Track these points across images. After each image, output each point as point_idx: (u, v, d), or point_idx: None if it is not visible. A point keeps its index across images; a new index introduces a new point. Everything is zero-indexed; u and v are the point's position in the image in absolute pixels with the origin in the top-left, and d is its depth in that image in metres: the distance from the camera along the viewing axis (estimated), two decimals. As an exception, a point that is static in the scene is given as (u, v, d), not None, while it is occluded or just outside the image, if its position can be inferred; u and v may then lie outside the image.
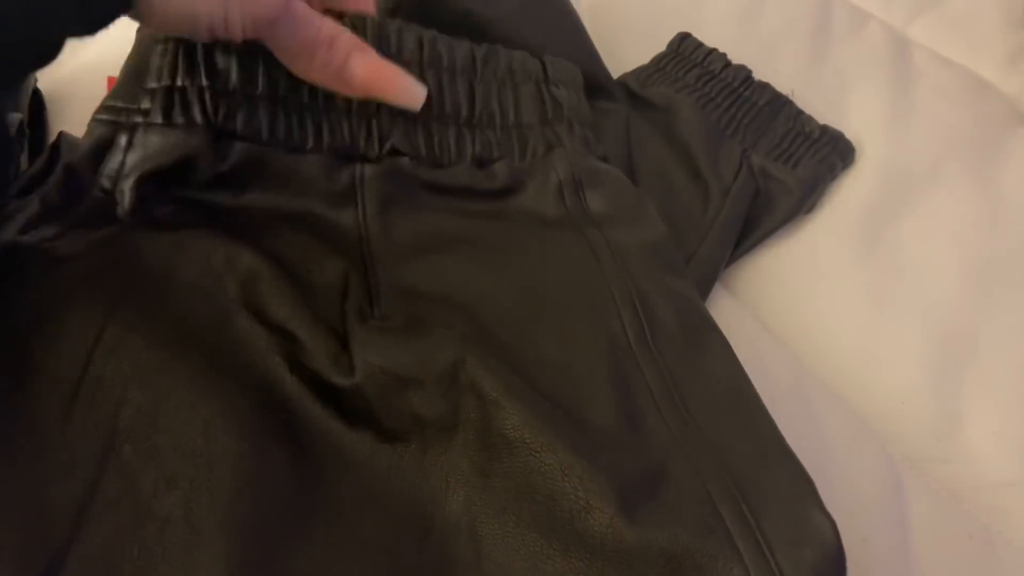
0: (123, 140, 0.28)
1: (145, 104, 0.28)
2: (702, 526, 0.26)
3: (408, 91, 0.31)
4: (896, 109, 0.51)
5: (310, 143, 0.31)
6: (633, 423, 0.28)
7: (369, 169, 0.32)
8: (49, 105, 0.41)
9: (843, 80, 0.52)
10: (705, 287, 0.42)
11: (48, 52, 0.23)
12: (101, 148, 0.28)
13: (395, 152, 0.32)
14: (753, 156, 0.46)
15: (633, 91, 0.47)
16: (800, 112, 0.49)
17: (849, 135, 0.48)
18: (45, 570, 0.22)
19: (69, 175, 0.27)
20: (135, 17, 0.25)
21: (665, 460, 0.28)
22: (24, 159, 0.35)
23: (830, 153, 0.47)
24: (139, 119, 0.28)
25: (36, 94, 0.39)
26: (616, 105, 0.44)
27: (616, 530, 0.25)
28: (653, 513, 0.26)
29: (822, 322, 0.42)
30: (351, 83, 0.30)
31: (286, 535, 0.24)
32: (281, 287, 0.28)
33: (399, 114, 0.33)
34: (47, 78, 0.40)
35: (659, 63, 0.49)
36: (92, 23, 0.24)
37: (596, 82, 0.45)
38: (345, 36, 0.30)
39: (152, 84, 0.28)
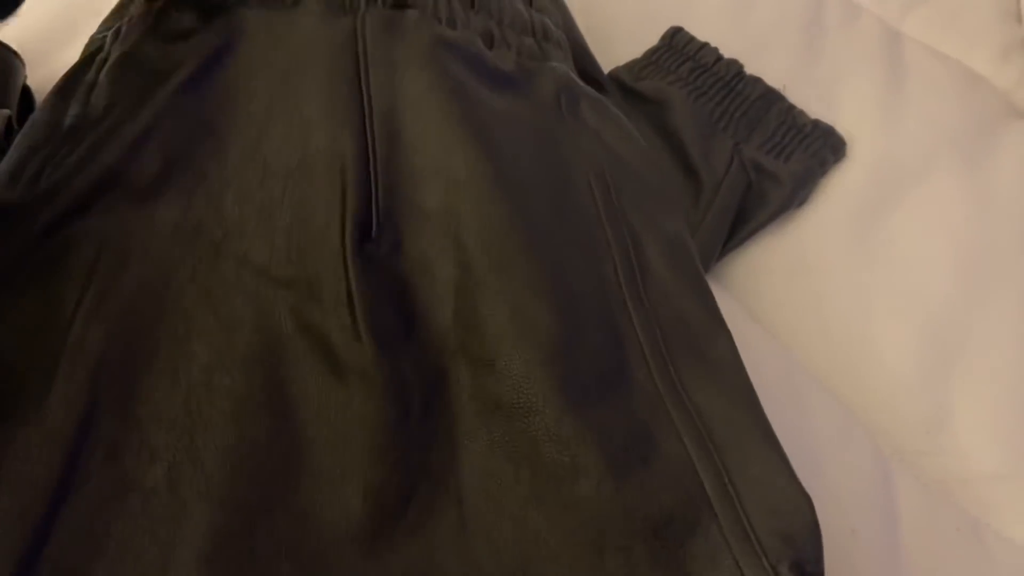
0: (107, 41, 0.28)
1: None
2: (684, 493, 0.26)
3: None
4: (888, 103, 0.51)
5: None
6: (622, 376, 0.28)
7: (372, 17, 0.31)
8: (38, 102, 0.41)
9: (835, 74, 0.52)
10: (696, 281, 0.42)
11: None
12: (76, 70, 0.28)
13: (400, 5, 0.32)
14: (745, 149, 0.46)
15: (625, 84, 0.47)
16: (792, 106, 0.49)
17: (841, 129, 0.48)
18: (30, 544, 0.22)
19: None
20: None
21: (650, 421, 0.28)
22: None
23: (821, 147, 0.47)
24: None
25: (25, 91, 0.39)
26: (608, 97, 0.44)
27: (602, 496, 0.25)
28: (638, 479, 0.26)
29: (812, 315, 0.43)
30: None
31: (268, 502, 0.24)
32: (268, 229, 0.27)
33: None
34: (36, 75, 0.40)
35: (651, 56, 0.49)
36: None
37: (586, 76, 0.45)
38: None
39: None
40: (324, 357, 0.27)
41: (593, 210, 0.32)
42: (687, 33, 0.50)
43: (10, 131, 0.35)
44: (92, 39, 0.32)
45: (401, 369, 0.27)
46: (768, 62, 0.50)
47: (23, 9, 0.45)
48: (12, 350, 0.24)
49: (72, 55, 0.42)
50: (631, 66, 0.49)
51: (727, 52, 0.49)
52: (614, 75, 0.48)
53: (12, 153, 0.27)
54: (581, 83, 0.37)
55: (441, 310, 0.28)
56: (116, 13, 0.33)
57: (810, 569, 0.26)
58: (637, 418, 0.28)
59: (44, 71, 0.41)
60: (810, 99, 0.49)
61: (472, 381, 0.27)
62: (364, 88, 0.30)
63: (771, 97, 0.49)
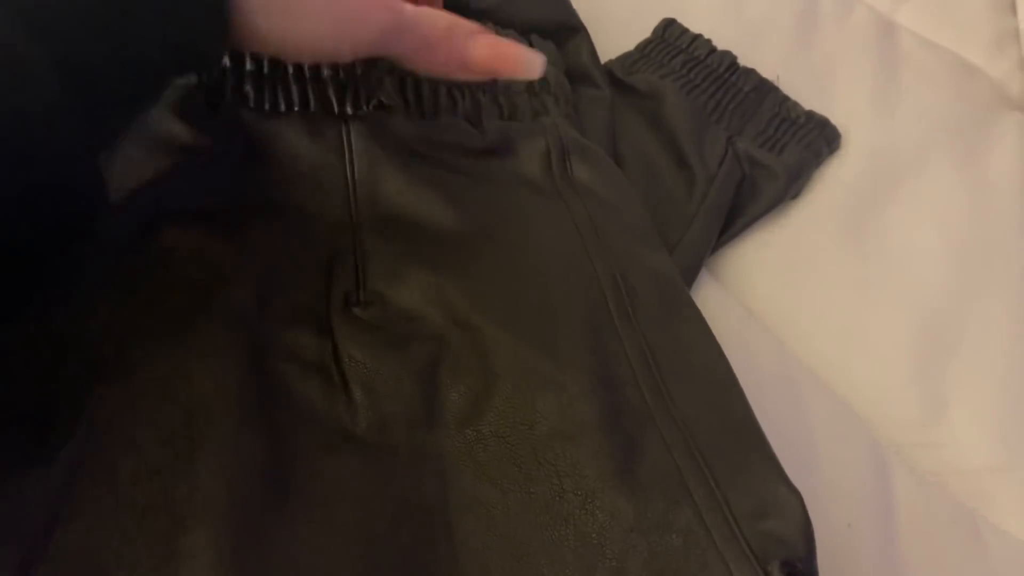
0: None
1: None
2: (671, 502, 0.26)
3: (528, 63, 0.30)
4: (882, 94, 0.51)
5: (296, 107, 0.31)
6: (610, 391, 0.29)
7: (356, 125, 0.32)
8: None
9: (829, 65, 0.52)
10: (690, 274, 0.42)
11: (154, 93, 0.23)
12: None
13: (382, 106, 0.33)
14: (738, 142, 0.46)
15: (618, 77, 0.47)
16: (786, 98, 0.48)
17: (835, 120, 0.48)
18: (22, 563, 0.22)
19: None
20: (233, 43, 0.24)
21: (639, 433, 0.28)
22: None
23: (816, 139, 0.47)
24: None
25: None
26: (601, 91, 0.44)
27: (589, 508, 0.26)
28: (625, 490, 0.26)
29: (807, 308, 0.42)
30: (473, 68, 0.29)
31: (265, 520, 0.24)
32: (255, 274, 0.28)
33: (388, 71, 0.33)
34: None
35: (644, 49, 0.49)
36: (194, 62, 0.23)
37: (581, 69, 0.44)
38: (460, 24, 0.29)
39: None
40: (312, 378, 0.27)
41: (580, 246, 0.33)
42: (680, 25, 0.49)
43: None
44: None
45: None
46: (762, 54, 0.50)
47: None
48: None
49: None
50: (623, 59, 0.49)
51: (721, 44, 0.49)
52: (606, 68, 0.48)
53: None
54: (572, 134, 0.37)
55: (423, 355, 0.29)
56: None
57: (802, 567, 0.26)
58: (626, 433, 0.28)
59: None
60: (804, 90, 0.49)
61: (462, 406, 0.27)
62: (352, 194, 0.31)
63: (765, 89, 0.48)
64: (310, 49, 0.25)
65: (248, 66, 0.31)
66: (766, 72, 0.49)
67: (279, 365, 0.27)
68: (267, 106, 0.31)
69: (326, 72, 0.32)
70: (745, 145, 0.46)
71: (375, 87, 0.33)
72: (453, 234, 0.31)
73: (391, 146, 0.32)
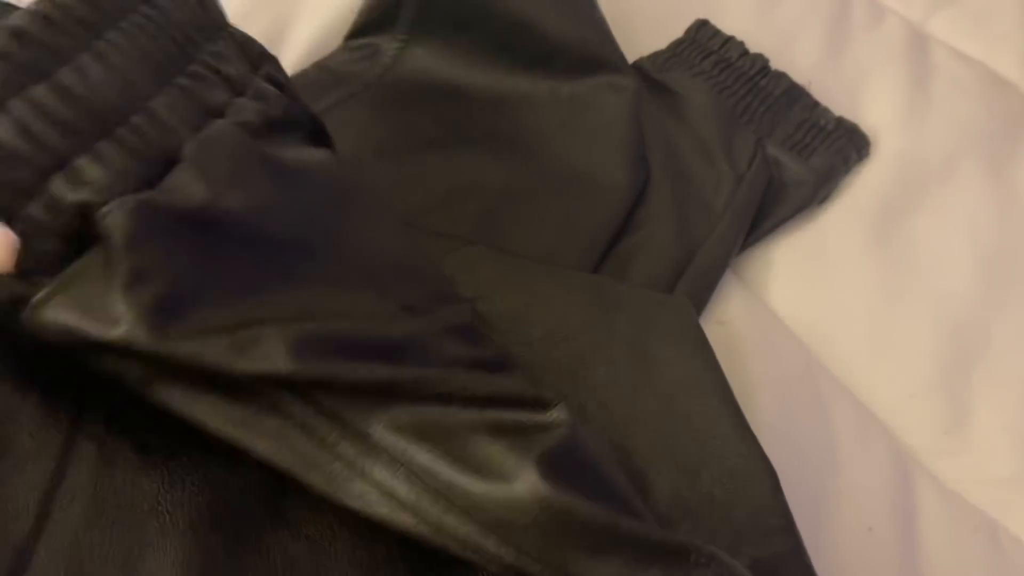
0: None
1: None
2: None
3: None
4: (913, 103, 0.51)
5: None
6: None
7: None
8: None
9: (860, 72, 0.52)
10: (716, 274, 0.41)
11: None
12: None
13: None
14: (767, 145, 0.46)
15: (649, 75, 0.47)
16: (816, 103, 0.48)
17: (865, 127, 0.48)
18: (12, 563, 0.22)
19: None
20: None
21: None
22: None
23: (845, 145, 0.47)
24: None
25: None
26: (622, 79, 0.44)
27: None
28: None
29: (832, 311, 0.42)
30: None
31: (259, 520, 0.24)
32: None
33: None
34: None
35: (675, 49, 0.49)
36: None
37: (600, 55, 0.44)
38: None
39: None
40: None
41: None
42: (712, 27, 0.49)
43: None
44: None
45: None
46: (793, 58, 0.50)
47: None
48: None
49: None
50: (654, 57, 0.49)
51: (752, 47, 0.49)
52: (637, 65, 0.48)
53: None
54: None
55: None
56: None
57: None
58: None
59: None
60: (834, 96, 0.49)
61: None
62: None
63: (795, 93, 0.48)
64: None
65: None
66: (797, 77, 0.49)
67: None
68: None
69: None
70: (774, 148, 0.46)
71: None
72: None
73: None
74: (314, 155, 0.25)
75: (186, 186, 0.21)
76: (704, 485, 0.28)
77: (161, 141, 0.22)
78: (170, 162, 0.22)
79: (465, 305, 0.26)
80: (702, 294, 0.41)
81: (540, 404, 0.23)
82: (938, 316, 0.42)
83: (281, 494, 0.24)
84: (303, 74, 0.43)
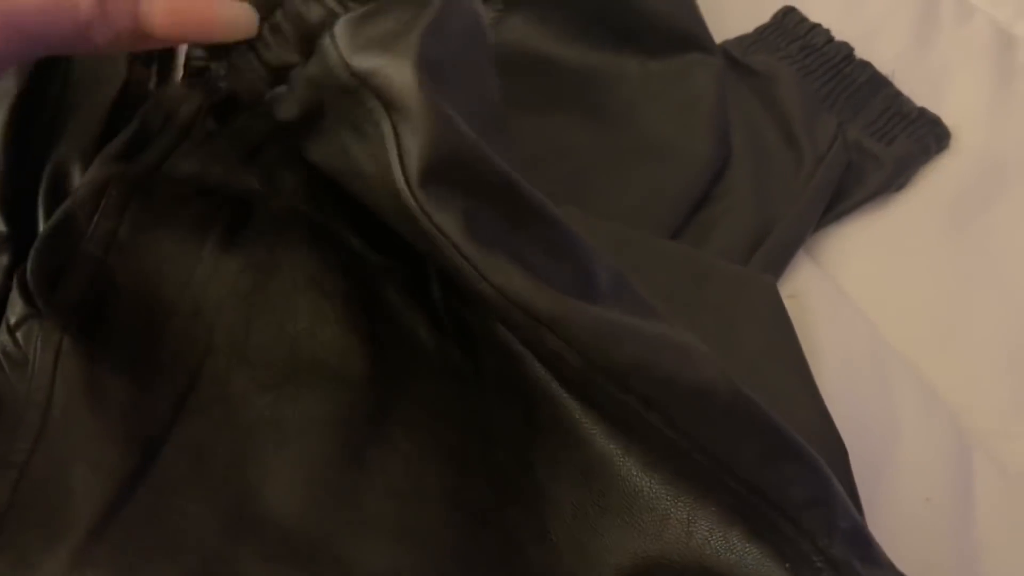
0: None
1: None
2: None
3: (229, 22, 0.23)
4: (996, 100, 0.51)
5: None
6: None
7: None
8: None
9: (945, 67, 0.52)
10: (790, 250, 0.43)
11: None
12: None
13: None
14: (849, 130, 0.47)
15: (734, 57, 0.48)
16: (899, 93, 0.49)
17: (947, 121, 0.49)
18: (144, 454, 0.25)
19: None
20: None
21: None
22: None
23: (925, 134, 0.47)
24: None
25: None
26: (709, 57, 0.45)
27: None
28: None
29: (902, 294, 0.43)
30: (153, 31, 0.22)
31: (364, 439, 0.26)
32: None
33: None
34: None
35: (761, 33, 0.50)
36: None
37: (689, 33, 0.46)
38: None
39: None
40: (421, 307, 0.29)
41: None
42: (799, 13, 0.50)
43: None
44: None
45: None
46: (878, 49, 0.51)
47: None
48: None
49: None
50: (740, 40, 0.50)
51: (838, 36, 0.50)
52: (723, 48, 0.50)
53: None
54: None
55: None
56: None
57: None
58: None
59: None
60: (918, 89, 0.50)
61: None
62: None
63: (878, 82, 0.49)
64: None
65: None
66: (881, 67, 0.49)
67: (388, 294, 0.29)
68: None
69: None
70: (855, 133, 0.47)
71: None
72: None
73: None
74: None
75: None
76: None
77: None
78: None
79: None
80: (776, 268, 0.42)
81: None
82: (1010, 306, 0.43)
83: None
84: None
